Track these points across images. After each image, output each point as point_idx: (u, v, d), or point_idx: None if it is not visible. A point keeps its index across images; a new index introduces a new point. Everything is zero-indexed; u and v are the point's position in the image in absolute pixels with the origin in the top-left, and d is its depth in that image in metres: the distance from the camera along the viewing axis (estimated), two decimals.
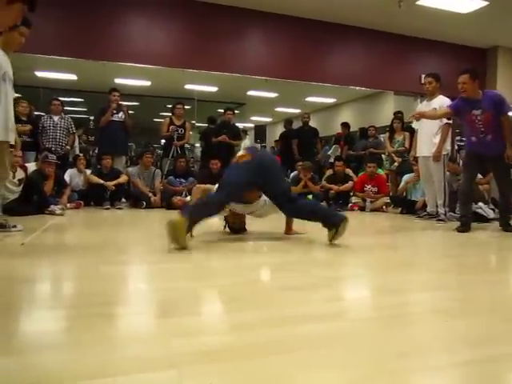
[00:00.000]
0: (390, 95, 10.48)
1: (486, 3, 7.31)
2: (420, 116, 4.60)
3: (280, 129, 14.59)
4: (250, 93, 12.15)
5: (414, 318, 1.58)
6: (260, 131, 14.61)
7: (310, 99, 12.95)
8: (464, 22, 8.10)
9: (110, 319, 1.51)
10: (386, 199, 6.64)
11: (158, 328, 1.38)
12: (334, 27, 8.44)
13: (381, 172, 7.06)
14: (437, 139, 4.90)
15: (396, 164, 6.81)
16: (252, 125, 16.44)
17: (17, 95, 7.12)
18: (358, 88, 9.63)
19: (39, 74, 10.08)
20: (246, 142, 12.12)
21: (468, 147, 4.41)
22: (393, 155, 6.88)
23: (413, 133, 6.47)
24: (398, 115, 7.33)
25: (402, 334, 1.39)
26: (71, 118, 6.74)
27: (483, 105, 4.14)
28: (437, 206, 5.14)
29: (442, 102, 4.93)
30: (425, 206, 5.51)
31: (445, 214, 5.01)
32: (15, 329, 1.41)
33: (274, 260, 2.76)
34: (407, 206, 6.05)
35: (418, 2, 7.39)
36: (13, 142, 3.41)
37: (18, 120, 5.95)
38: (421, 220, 5.26)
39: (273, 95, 12.48)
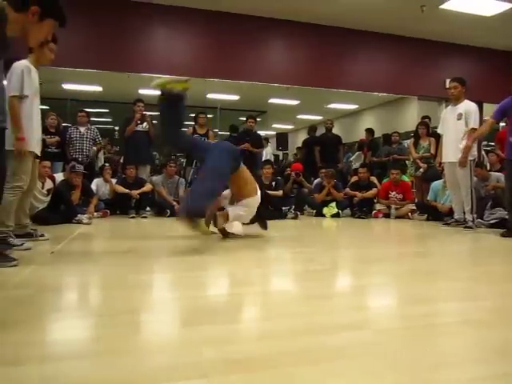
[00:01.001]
0: (414, 100, 10.34)
1: (511, 6, 7.17)
2: (467, 151, 4.71)
3: (302, 136, 14.56)
4: (272, 100, 12.19)
5: (444, 329, 1.55)
6: (282, 139, 14.59)
7: (331, 106, 12.90)
8: (488, 24, 7.96)
9: (139, 328, 1.53)
10: (412, 206, 6.53)
11: (187, 336, 1.39)
12: (355, 33, 8.41)
13: (405, 179, 6.96)
14: (463, 145, 4.81)
15: (421, 170, 6.70)
16: (273, 132, 16.45)
17: (44, 107, 7.36)
18: (380, 94, 9.55)
19: (66, 86, 10.36)
20: (268, 149, 12.14)
21: (508, 154, 4.35)
22: (418, 161, 6.78)
23: (438, 138, 6.37)
24: (424, 120, 7.22)
25: (433, 345, 1.36)
26: (97, 128, 6.88)
27: None
28: (464, 213, 5.03)
29: (467, 106, 4.84)
30: (451, 212, 5.39)
31: (472, 221, 4.90)
32: (47, 337, 1.44)
33: (298, 268, 2.75)
34: (433, 213, 5.93)
35: (441, 6, 7.30)
36: (39, 154, 3.50)
37: (46, 132, 6.15)
38: (448, 227, 5.15)
39: (294, 102, 12.48)
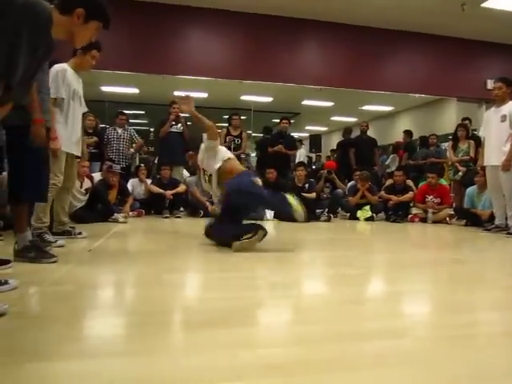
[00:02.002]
0: (452, 102, 10.05)
1: None
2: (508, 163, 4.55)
3: (335, 138, 14.43)
4: (305, 102, 12.12)
5: (486, 340, 1.47)
6: (315, 141, 14.48)
7: (366, 107, 12.70)
8: None
9: (174, 327, 1.53)
10: (450, 211, 6.33)
11: (222, 338, 1.38)
12: (391, 33, 8.25)
13: (443, 182, 6.76)
14: (507, 147, 4.61)
15: (460, 174, 6.49)
16: (307, 134, 16.36)
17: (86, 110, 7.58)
18: (417, 95, 9.33)
19: (105, 88, 10.66)
20: (302, 151, 12.08)
21: None
22: (457, 164, 6.57)
23: (478, 141, 6.17)
24: (464, 122, 7.00)
25: (474, 356, 1.30)
26: (133, 129, 7.04)
27: None
28: (506, 219, 4.83)
29: None
30: (492, 218, 5.19)
31: None
32: (84, 333, 1.46)
33: (332, 272, 2.70)
34: (473, 218, 5.73)
35: (483, 4, 7.06)
36: (78, 154, 3.60)
37: (85, 133, 6.32)
38: (488, 233, 4.96)
39: (328, 104, 12.37)
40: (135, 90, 10.99)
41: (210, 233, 3.44)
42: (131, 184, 6.30)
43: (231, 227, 3.25)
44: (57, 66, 3.22)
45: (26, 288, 1.95)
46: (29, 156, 2.49)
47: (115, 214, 5.13)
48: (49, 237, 3.04)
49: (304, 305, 1.88)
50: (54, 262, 2.50)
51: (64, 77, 3.27)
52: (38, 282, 2.12)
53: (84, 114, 6.69)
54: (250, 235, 3.09)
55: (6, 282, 1.86)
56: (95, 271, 2.45)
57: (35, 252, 2.51)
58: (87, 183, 5.18)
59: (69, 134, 3.37)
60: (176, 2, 7.28)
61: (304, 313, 1.74)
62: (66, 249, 3.06)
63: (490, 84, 8.45)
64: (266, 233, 3.17)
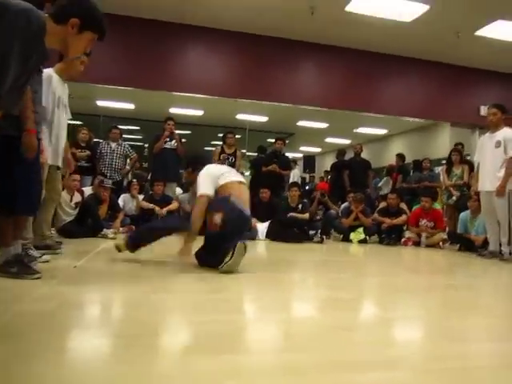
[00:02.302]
0: (446, 127, 10.16)
1: None
2: (506, 180, 4.55)
3: (329, 159, 14.49)
4: (300, 123, 12.19)
5: (484, 373, 1.41)
6: (309, 161, 14.54)
7: (360, 130, 12.80)
8: None
9: (159, 352, 1.45)
10: (443, 235, 6.30)
11: (208, 366, 1.30)
12: (387, 57, 8.35)
13: (437, 206, 6.74)
14: (501, 173, 4.61)
15: (454, 198, 6.49)
16: (301, 155, 16.43)
17: (77, 122, 7.51)
18: (412, 119, 9.41)
19: (100, 102, 10.65)
20: (296, 171, 12.08)
21: None
22: (450, 189, 6.57)
23: (472, 166, 6.18)
24: (458, 147, 7.03)
25: None
26: (128, 144, 6.99)
27: None
28: (500, 245, 4.80)
29: (506, 134, 4.66)
30: (486, 243, 5.16)
31: (510, 253, 4.66)
32: (63, 356, 1.37)
33: (324, 295, 2.63)
34: (466, 243, 5.70)
35: (476, 33, 7.18)
36: (60, 165, 3.48)
37: (77, 146, 6.27)
38: (482, 259, 4.92)
39: (323, 125, 12.45)
40: (131, 106, 11.00)
41: (198, 258, 3.33)
42: (122, 199, 6.22)
43: (213, 256, 3.16)
44: (45, 73, 3.01)
45: (6, 304, 1.87)
46: (21, 167, 2.42)
47: (104, 230, 5.03)
48: (33, 252, 2.94)
49: (294, 330, 1.81)
50: (38, 278, 2.41)
51: (49, 84, 3.14)
52: (17, 298, 2.03)
53: (77, 127, 6.71)
54: (230, 255, 2.95)
55: None
56: (80, 289, 2.36)
57: (18, 267, 2.42)
58: (77, 197, 5.10)
59: (53, 145, 3.28)
60: (174, 19, 7.33)
61: (294, 339, 1.66)
62: (51, 264, 2.96)
63: (483, 110, 8.55)
64: (245, 245, 3.03)
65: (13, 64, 1.55)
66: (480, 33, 7.17)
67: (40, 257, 2.95)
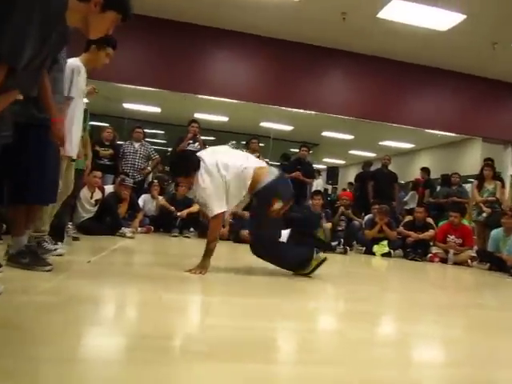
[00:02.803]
0: (477, 143, 9.82)
1: None
2: None
3: (352, 172, 14.25)
4: (325, 133, 12.01)
5: None
6: (332, 173, 14.34)
7: (386, 143, 12.55)
8: None
9: (171, 357, 1.32)
10: (472, 252, 6.01)
11: (228, 375, 1.16)
12: (418, 68, 8.15)
13: (465, 223, 6.46)
14: None
15: (485, 215, 6.20)
16: (324, 166, 16.24)
17: (103, 124, 7.55)
18: (441, 133, 9.15)
19: (126, 105, 10.72)
20: (319, 181, 11.89)
21: None
22: (481, 205, 6.29)
23: (504, 182, 5.91)
24: (490, 162, 6.75)
25: None
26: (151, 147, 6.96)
27: None
28: None
29: None
30: None
31: None
32: (67, 356, 1.24)
33: (347, 308, 2.46)
34: (497, 262, 5.41)
35: None
36: (75, 156, 3.35)
37: (101, 144, 6.25)
38: None
39: (348, 137, 12.24)
40: (157, 109, 11.03)
41: (255, 247, 3.18)
42: (143, 199, 6.16)
43: (292, 251, 3.19)
44: (72, 63, 2.93)
45: (12, 295, 1.76)
46: (32, 155, 2.34)
47: (123, 228, 4.96)
48: (47, 245, 2.86)
49: (317, 342, 1.66)
50: (49, 270, 2.32)
51: (78, 75, 3.00)
52: (26, 290, 1.93)
53: (103, 128, 6.71)
54: (310, 268, 3.04)
55: None
56: (90, 284, 2.25)
57: (30, 258, 2.33)
58: (98, 194, 5.05)
59: (71, 137, 3.20)
60: (203, 22, 7.31)
61: (317, 351, 1.51)
62: (65, 258, 2.87)
63: None
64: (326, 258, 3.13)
65: (31, 39, 1.46)
66: None
67: (54, 250, 2.86)
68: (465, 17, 6.21)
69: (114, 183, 5.94)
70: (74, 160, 3.30)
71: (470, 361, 1.61)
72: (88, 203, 4.92)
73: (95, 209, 4.98)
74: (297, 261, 3.14)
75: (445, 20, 6.39)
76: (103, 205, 5.04)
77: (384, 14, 6.38)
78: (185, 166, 3.06)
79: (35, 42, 1.49)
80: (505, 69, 7.90)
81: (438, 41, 7.03)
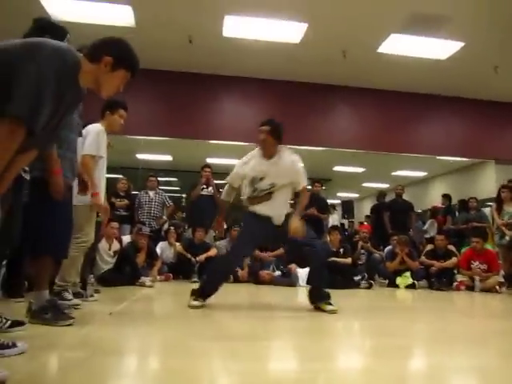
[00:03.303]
0: (490, 165, 9.73)
1: None
2: None
3: (367, 204, 14.15)
4: (336, 168, 12.05)
5: None
6: (347, 207, 14.26)
7: (398, 173, 12.50)
8: None
9: None
10: (499, 278, 5.83)
11: None
12: (423, 97, 8.25)
13: (489, 247, 6.31)
14: None
15: (507, 238, 6.05)
16: (339, 201, 16.18)
17: (118, 176, 7.73)
18: (452, 159, 9.12)
19: (140, 156, 10.97)
20: (335, 216, 11.81)
21: None
22: (503, 228, 6.16)
23: None
24: (509, 184, 6.66)
25: None
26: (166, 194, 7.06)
27: None
28: None
29: None
30: None
31: None
32: None
33: (375, 342, 2.38)
34: None
35: None
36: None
37: (116, 195, 6.37)
38: None
39: (360, 170, 12.25)
40: (169, 157, 11.25)
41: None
42: (160, 247, 6.18)
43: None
44: (97, 126, 3.23)
45: (36, 352, 1.76)
46: (44, 208, 2.40)
47: (142, 278, 4.95)
48: (67, 295, 2.88)
49: (347, 381, 1.60)
50: (70, 324, 2.31)
51: (104, 137, 3.28)
52: (50, 346, 1.92)
53: (117, 179, 6.86)
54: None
55: (13, 345, 1.68)
56: (116, 336, 2.24)
57: (52, 313, 2.33)
58: (116, 245, 5.09)
59: (102, 193, 3.34)
60: (209, 71, 7.58)
61: None
62: (86, 311, 2.87)
63: None
64: None
65: (47, 102, 1.54)
66: None
67: (70, 300, 2.88)
68: (463, 44, 6.34)
69: (131, 233, 6.00)
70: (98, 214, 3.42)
71: None
72: (107, 255, 4.96)
73: (114, 260, 5.01)
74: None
75: (443, 49, 6.53)
76: (122, 255, 5.07)
77: (384, 48, 6.55)
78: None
79: (50, 104, 1.57)
80: (509, 90, 7.95)
81: (439, 69, 7.14)
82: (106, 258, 4.94)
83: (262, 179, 3.31)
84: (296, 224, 3.16)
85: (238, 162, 3.51)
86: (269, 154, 3.36)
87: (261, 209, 3.33)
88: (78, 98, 1.82)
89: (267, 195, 3.33)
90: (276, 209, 3.33)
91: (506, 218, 6.21)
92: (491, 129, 8.46)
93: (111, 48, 1.76)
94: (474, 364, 1.97)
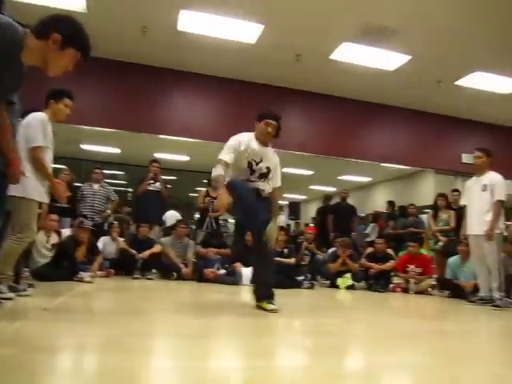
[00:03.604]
0: (429, 174, 10.27)
1: None
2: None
3: (313, 207, 14.46)
4: (285, 170, 12.21)
5: None
6: (294, 208, 14.52)
7: (344, 177, 12.88)
8: (503, 102, 8.04)
9: None
10: (432, 281, 6.16)
11: None
12: (372, 106, 8.56)
13: (424, 252, 6.65)
14: (489, 217, 4.58)
15: (441, 243, 6.42)
16: (286, 202, 16.41)
17: (61, 166, 7.40)
18: (396, 166, 9.52)
19: (84, 146, 10.54)
20: (281, 218, 11.98)
21: None
22: (437, 234, 6.51)
23: (458, 211, 6.16)
24: (444, 192, 7.05)
25: None
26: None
27: None
28: (491, 290, 4.68)
29: (493, 178, 4.68)
30: (476, 289, 5.04)
31: (500, 299, 4.54)
32: None
33: (313, 341, 2.44)
34: (456, 290, 5.56)
35: (456, 82, 7.42)
36: (46, 201, 3.39)
37: None
38: (473, 305, 4.78)
39: (308, 172, 12.50)
40: (116, 150, 10.92)
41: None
42: (102, 242, 5.98)
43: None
44: (41, 115, 3.07)
45: None
46: None
47: (81, 273, 4.76)
48: (2, 288, 2.73)
49: (283, 378, 1.63)
50: None
51: (48, 126, 3.13)
52: None
53: (59, 169, 6.56)
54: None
55: None
56: (49, 332, 2.14)
57: None
58: (54, 238, 4.88)
59: (41, 183, 3.18)
60: (162, 64, 7.44)
61: None
62: (18, 305, 2.73)
63: (464, 158, 8.74)
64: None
65: None
66: (459, 82, 7.41)
67: (5, 292, 2.74)
68: (410, 57, 6.64)
69: (71, 226, 5.77)
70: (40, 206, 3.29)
71: None
72: (44, 248, 4.74)
73: (51, 253, 4.79)
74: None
75: (391, 60, 6.82)
76: (60, 249, 4.86)
77: (336, 55, 6.73)
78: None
79: None
80: (450, 105, 8.43)
81: (387, 80, 7.45)
82: (43, 252, 4.72)
83: (259, 162, 3.45)
84: (273, 231, 3.30)
85: (231, 141, 3.53)
86: (265, 144, 3.59)
87: (253, 183, 3.41)
88: (21, 78, 1.72)
89: (264, 178, 3.49)
90: (266, 189, 3.48)
91: (440, 225, 6.58)
92: (432, 140, 8.93)
93: (61, 25, 1.68)
94: (408, 361, 2.07)
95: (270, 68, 7.39)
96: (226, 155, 3.38)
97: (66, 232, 5.42)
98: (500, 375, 1.89)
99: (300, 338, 2.62)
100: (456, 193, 7.00)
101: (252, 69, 7.45)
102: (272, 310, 3.16)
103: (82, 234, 5.27)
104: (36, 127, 2.98)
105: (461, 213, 6.06)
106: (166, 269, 6.07)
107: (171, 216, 7.84)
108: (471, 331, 3.31)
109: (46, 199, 3.27)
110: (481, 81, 7.31)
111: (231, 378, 1.58)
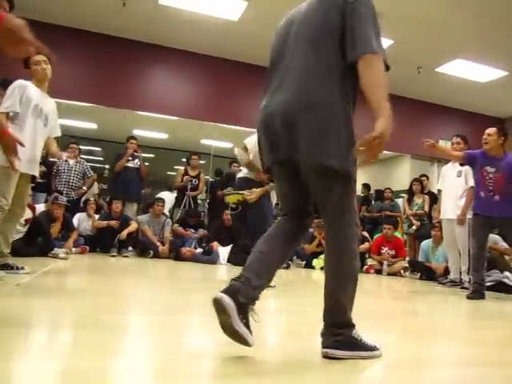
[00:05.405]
0: (407, 159, 10.43)
1: (506, 73, 7.38)
2: (432, 146, 4.52)
3: None
4: None
5: None
6: None
7: None
8: (483, 90, 8.16)
9: (111, 377, 1.27)
10: (404, 263, 6.33)
11: None
12: None
13: (398, 235, 6.81)
14: (462, 202, 4.70)
15: (414, 227, 6.57)
16: None
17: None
18: None
19: (60, 121, 10.23)
20: None
21: (475, 207, 4.18)
22: (411, 218, 6.66)
23: (432, 196, 6.30)
24: (419, 177, 7.19)
25: None
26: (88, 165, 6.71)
27: (501, 165, 3.98)
28: (460, 273, 4.84)
29: None
30: (446, 272, 5.20)
31: (469, 282, 4.69)
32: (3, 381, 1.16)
33: (283, 320, 2.49)
34: (427, 272, 5.73)
35: (437, 69, 7.49)
36: (35, 174, 3.30)
37: None
38: (443, 287, 4.93)
39: None
40: (93, 126, 10.68)
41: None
42: (77, 218, 5.91)
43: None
44: (17, 81, 3.03)
45: None
46: None
47: (55, 249, 4.71)
48: None
49: (244, 354, 1.66)
50: None
51: (24, 91, 3.04)
52: None
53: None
54: None
55: None
56: (21, 308, 2.12)
57: None
58: (28, 213, 4.77)
59: (28, 153, 3.07)
60: (141, 39, 7.26)
61: (242, 364, 1.52)
62: None
63: (441, 144, 8.86)
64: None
65: None
66: (440, 69, 7.48)
67: None
68: (392, 42, 6.64)
69: (46, 202, 5.67)
70: (34, 179, 3.23)
71: (403, 363, 1.68)
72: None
73: (25, 229, 4.71)
74: None
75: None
76: (34, 225, 4.77)
77: None
78: None
79: None
80: (429, 91, 8.51)
81: None
82: (17, 227, 4.62)
83: None
84: None
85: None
86: None
87: None
88: None
89: None
90: None
91: (414, 209, 6.72)
92: (410, 125, 9.02)
93: None
94: (375, 339, 2.13)
95: (253, 46, 7.28)
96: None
97: (41, 207, 5.32)
98: (461, 352, 1.97)
99: (272, 316, 2.66)
100: (424, 177, 7.15)
101: (235, 46, 7.34)
102: None
103: (57, 210, 5.19)
104: (8, 94, 2.96)
105: (431, 197, 6.22)
106: (142, 247, 6.06)
107: (168, 197, 7.68)
108: (439, 312, 3.43)
109: (29, 170, 3.17)
110: (461, 69, 7.39)
111: (205, 353, 1.60)
